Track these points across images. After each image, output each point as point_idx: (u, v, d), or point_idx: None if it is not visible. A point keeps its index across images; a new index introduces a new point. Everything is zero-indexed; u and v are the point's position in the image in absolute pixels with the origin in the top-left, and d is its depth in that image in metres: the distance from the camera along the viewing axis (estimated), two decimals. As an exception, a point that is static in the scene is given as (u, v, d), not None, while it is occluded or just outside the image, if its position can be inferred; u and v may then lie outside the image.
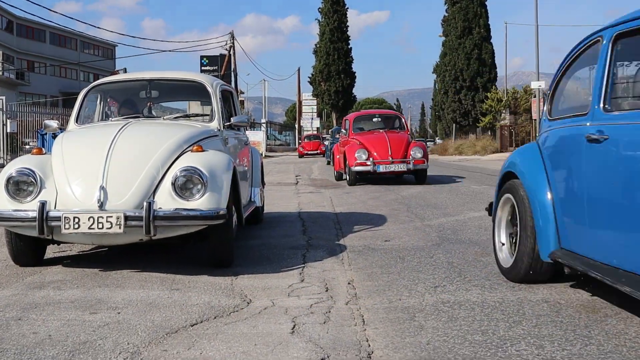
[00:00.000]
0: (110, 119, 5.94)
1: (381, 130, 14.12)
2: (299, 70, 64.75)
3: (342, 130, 15.39)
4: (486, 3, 48.11)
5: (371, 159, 12.89)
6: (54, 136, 21.82)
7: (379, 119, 15.38)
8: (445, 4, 49.57)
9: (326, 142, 31.60)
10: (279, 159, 34.86)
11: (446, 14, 49.61)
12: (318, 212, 8.43)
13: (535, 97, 33.61)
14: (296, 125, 61.60)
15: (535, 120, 33.42)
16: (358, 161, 12.93)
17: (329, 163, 24.18)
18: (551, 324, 3.19)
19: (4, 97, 25.38)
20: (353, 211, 8.55)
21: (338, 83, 63.45)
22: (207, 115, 5.93)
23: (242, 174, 5.95)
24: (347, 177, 13.63)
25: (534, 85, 33.42)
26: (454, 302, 3.67)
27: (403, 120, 15.59)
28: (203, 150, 4.74)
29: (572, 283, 4.07)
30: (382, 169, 12.95)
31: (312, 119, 66.58)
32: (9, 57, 56.40)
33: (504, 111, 40.25)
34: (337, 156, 15.13)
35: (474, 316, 3.37)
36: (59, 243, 4.86)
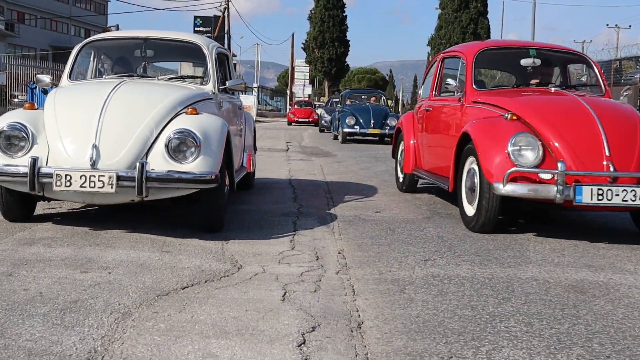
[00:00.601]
0: (103, 76, 5.86)
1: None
2: (292, 35, 64.21)
3: (447, 82, 6.30)
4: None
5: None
6: (44, 91, 21.62)
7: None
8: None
9: (319, 110, 31.40)
10: (270, 125, 34.70)
11: (444, -14, 49.29)
12: (309, 180, 8.43)
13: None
14: (288, 92, 61.24)
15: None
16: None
17: (321, 131, 24.15)
18: (540, 302, 3.22)
19: (-7, 49, 24.99)
20: (344, 181, 8.56)
21: (332, 51, 63.03)
22: (201, 77, 5.87)
23: (235, 138, 5.92)
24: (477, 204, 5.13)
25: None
26: (444, 276, 3.69)
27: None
28: (197, 113, 4.69)
29: (560, 262, 4.11)
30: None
31: (304, 85, 66.23)
32: (-2, 7, 55.46)
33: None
34: (412, 141, 7.32)
35: (463, 291, 3.39)
36: (49, 200, 4.83)
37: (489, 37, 47.40)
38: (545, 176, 4.70)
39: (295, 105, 41.72)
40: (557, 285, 3.56)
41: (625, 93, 7.33)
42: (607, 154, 4.68)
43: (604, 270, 3.97)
